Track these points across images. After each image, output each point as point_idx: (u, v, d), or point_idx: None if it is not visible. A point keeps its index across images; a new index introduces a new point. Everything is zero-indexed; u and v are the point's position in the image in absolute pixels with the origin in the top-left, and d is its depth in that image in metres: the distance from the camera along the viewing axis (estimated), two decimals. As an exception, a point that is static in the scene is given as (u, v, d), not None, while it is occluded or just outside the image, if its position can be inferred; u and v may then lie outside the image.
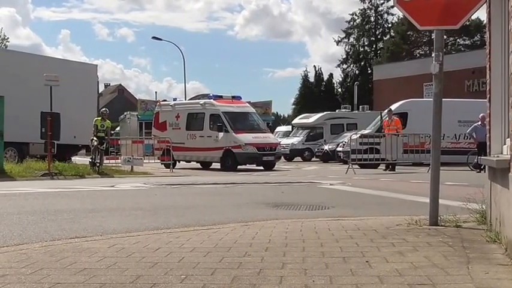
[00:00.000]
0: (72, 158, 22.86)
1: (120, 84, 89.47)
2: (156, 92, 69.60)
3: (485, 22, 5.41)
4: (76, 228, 6.08)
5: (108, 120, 18.49)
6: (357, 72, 62.69)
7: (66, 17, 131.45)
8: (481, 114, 16.43)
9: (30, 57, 23.91)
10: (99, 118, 18.51)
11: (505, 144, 4.72)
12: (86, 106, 22.79)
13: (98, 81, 28.96)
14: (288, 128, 40.48)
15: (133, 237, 5.19)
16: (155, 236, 5.31)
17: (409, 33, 55.29)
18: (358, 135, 21.33)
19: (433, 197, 5.45)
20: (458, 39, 56.25)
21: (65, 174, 16.29)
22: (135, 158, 19.93)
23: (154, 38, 42.57)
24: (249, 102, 26.55)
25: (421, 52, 57.78)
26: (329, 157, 29.63)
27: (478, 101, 19.19)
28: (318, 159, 31.90)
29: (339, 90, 64.12)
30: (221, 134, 21.46)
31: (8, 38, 51.73)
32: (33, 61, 22.43)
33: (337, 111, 36.71)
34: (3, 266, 3.95)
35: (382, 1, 62.01)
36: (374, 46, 64.14)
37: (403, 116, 23.79)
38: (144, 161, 20.71)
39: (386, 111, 21.39)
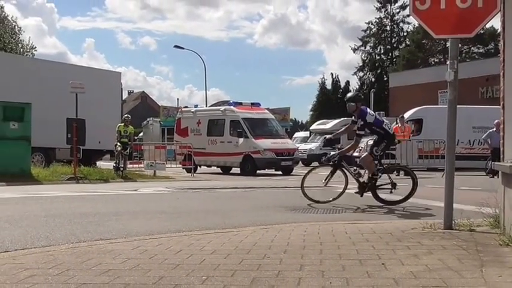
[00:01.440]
0: (97, 163, 23.14)
1: (143, 91, 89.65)
2: (177, 99, 69.86)
3: (499, 31, 5.42)
4: (101, 231, 6.17)
5: (130, 126, 18.68)
6: (373, 79, 62.43)
7: (90, 26, 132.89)
8: (496, 121, 16.29)
9: (57, 65, 24.34)
10: (122, 124, 18.67)
11: (518, 149, 4.75)
12: (110, 112, 22.98)
13: (121, 88, 29.28)
14: (306, 133, 40.36)
15: (156, 240, 5.26)
16: (177, 238, 5.37)
17: (424, 41, 55.10)
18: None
19: (448, 201, 5.47)
20: (472, 48, 55.97)
21: (90, 178, 16.48)
22: (158, 162, 20.12)
23: (176, 46, 41.85)
24: (267, 109, 26.62)
25: (435, 60, 57.55)
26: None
27: (492, 108, 19.06)
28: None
29: (356, 97, 63.81)
30: (241, 140, 21.60)
31: (35, 47, 52.31)
32: (59, 69, 22.80)
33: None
34: (31, 266, 4.04)
35: (398, 10, 61.92)
36: (390, 54, 63.94)
37: (418, 122, 23.85)
38: (166, 166, 20.95)
39: (399, 118, 21.41)
